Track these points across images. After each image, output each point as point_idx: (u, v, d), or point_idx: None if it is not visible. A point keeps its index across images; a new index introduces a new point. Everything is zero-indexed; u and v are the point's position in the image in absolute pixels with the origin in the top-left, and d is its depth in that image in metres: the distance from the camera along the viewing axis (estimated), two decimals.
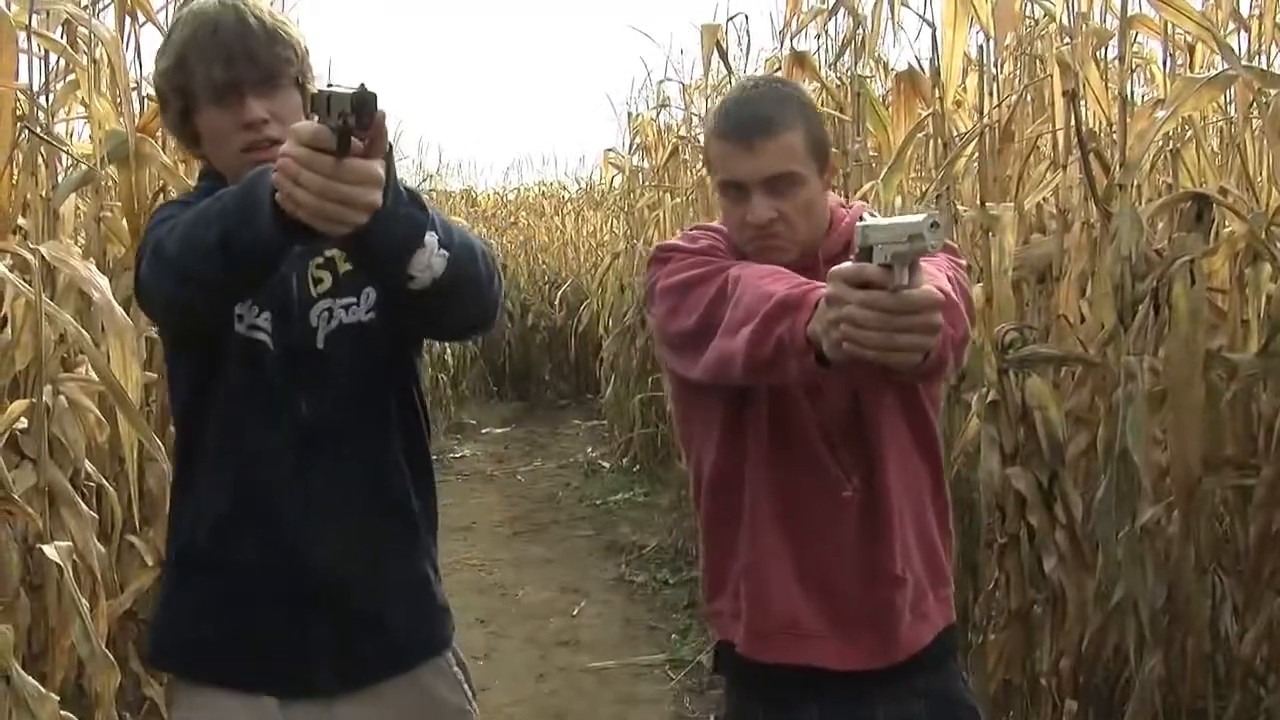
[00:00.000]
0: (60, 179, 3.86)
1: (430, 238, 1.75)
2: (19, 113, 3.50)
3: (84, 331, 3.42)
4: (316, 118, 1.60)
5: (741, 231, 2.15)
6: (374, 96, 1.53)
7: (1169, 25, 3.91)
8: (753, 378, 1.99)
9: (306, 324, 2.02)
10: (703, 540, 2.32)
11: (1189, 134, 4.16)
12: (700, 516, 2.31)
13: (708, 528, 2.29)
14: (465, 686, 2.23)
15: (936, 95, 4.29)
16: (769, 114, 2.11)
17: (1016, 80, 4.68)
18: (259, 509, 2.02)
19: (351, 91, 1.53)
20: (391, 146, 1.67)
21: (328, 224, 1.60)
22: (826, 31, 5.58)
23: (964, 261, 2.19)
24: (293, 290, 2.02)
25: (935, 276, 1.80)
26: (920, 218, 1.61)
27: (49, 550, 3.17)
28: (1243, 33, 4.05)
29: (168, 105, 2.05)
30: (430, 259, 1.75)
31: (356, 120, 1.54)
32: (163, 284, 1.87)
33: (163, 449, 3.65)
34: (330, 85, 1.59)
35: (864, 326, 1.64)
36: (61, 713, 2.94)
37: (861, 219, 1.72)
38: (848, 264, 1.67)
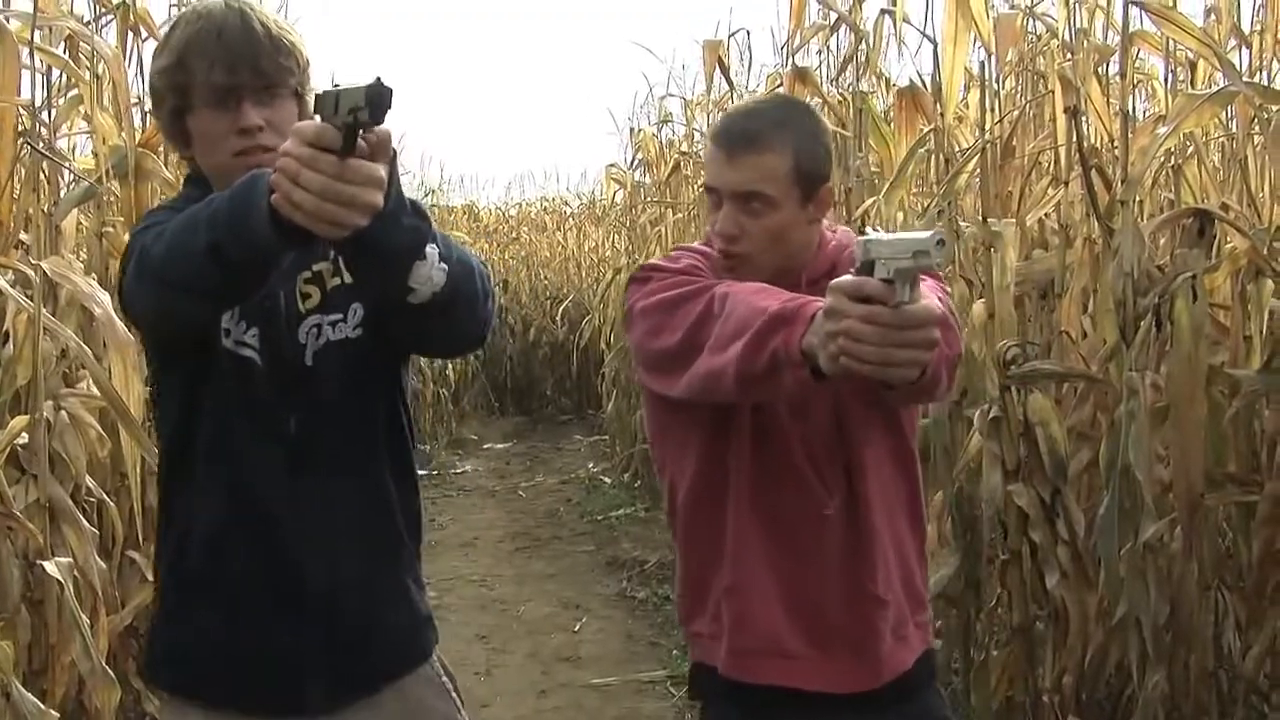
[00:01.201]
0: (62, 194, 3.87)
1: (431, 250, 1.73)
2: (21, 128, 3.50)
3: (85, 347, 3.43)
4: (319, 118, 1.57)
5: (713, 240, 2.16)
6: (389, 90, 1.49)
7: (1170, 41, 3.92)
8: (744, 392, 1.97)
9: (295, 340, 2.00)
10: (680, 560, 2.30)
11: (1191, 150, 4.17)
12: (677, 536, 2.29)
13: (686, 548, 2.27)
14: (453, 694, 2.22)
15: (938, 111, 4.30)
16: (758, 131, 2.10)
17: (1018, 96, 4.69)
18: (250, 525, 2.01)
19: (365, 86, 1.49)
20: (396, 153, 1.64)
21: (326, 226, 1.56)
22: (828, 47, 5.59)
23: (946, 288, 2.18)
24: (280, 306, 2.00)
25: (927, 297, 1.77)
26: (926, 235, 1.60)
27: (49, 566, 3.17)
28: (1244, 49, 4.05)
29: (162, 103, 2.01)
30: (431, 271, 1.74)
31: (370, 114, 1.50)
32: (147, 291, 1.83)
33: (161, 464, 3.65)
34: (337, 85, 1.56)
35: (863, 341, 1.63)
36: None
37: (863, 233, 1.71)
38: (849, 277, 1.66)
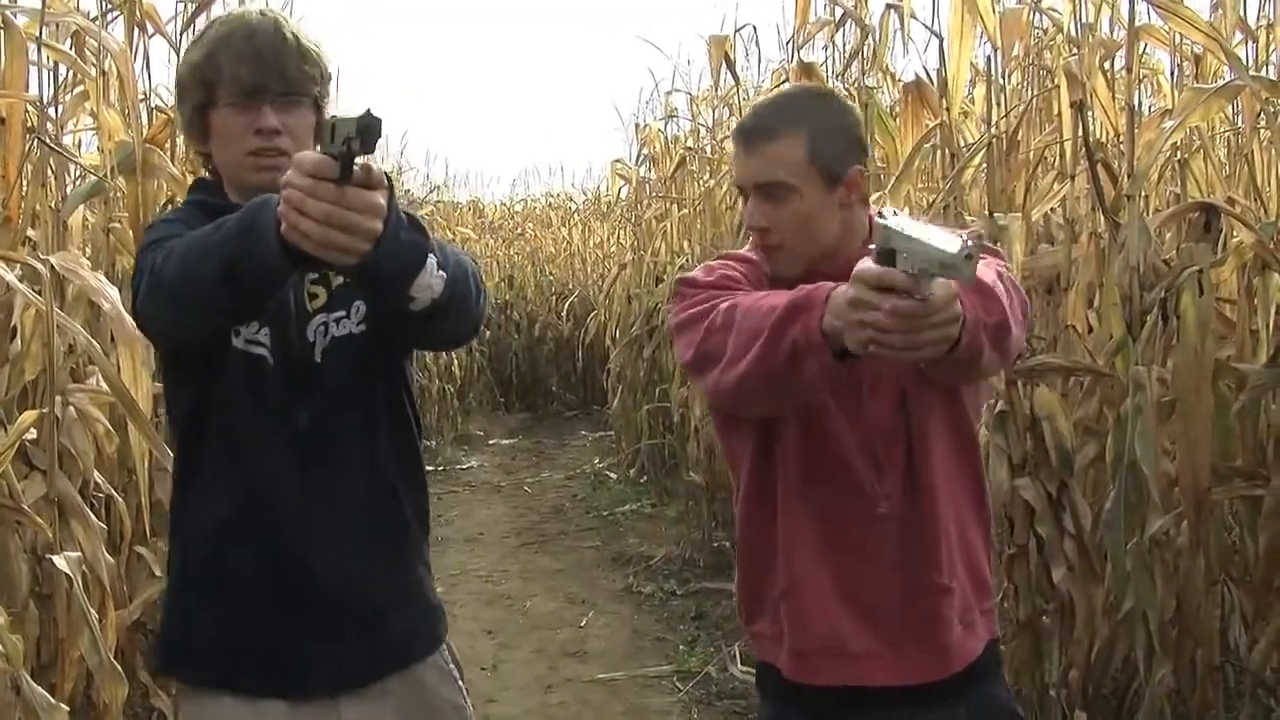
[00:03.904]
0: (69, 190, 3.87)
1: (430, 260, 1.79)
2: (28, 124, 3.51)
3: (94, 342, 3.43)
4: (319, 147, 1.64)
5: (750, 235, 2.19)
6: (379, 121, 1.57)
7: (1177, 36, 3.92)
8: (772, 391, 1.98)
9: (304, 339, 2.06)
10: (738, 561, 2.31)
11: (1197, 144, 4.17)
12: (739, 537, 2.30)
13: (743, 549, 2.28)
14: (460, 683, 2.26)
15: (944, 106, 4.30)
16: (769, 121, 2.14)
17: (1024, 91, 4.68)
18: (261, 516, 2.05)
19: (357, 117, 1.57)
20: (390, 179, 1.71)
21: (333, 253, 1.64)
22: (834, 42, 5.58)
23: (1004, 259, 2.17)
24: (290, 306, 2.05)
25: (982, 272, 1.80)
26: (955, 247, 1.60)
27: (58, 561, 3.18)
28: (1250, 43, 4.05)
29: (186, 96, 2.08)
30: (430, 280, 1.79)
31: (361, 144, 1.58)
32: (162, 312, 1.91)
33: (173, 459, 3.66)
34: (334, 116, 1.63)
35: (892, 332, 1.67)
36: None
37: (881, 215, 1.72)
38: (871, 266, 1.67)
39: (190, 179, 4.10)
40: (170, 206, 4.04)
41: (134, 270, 2.00)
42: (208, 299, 1.79)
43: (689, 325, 2.09)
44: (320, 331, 2.07)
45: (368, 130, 1.57)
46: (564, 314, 14.91)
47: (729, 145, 7.94)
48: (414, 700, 2.16)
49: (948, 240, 1.62)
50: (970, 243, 1.61)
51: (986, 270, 1.89)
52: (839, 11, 5.30)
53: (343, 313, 2.08)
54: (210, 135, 2.07)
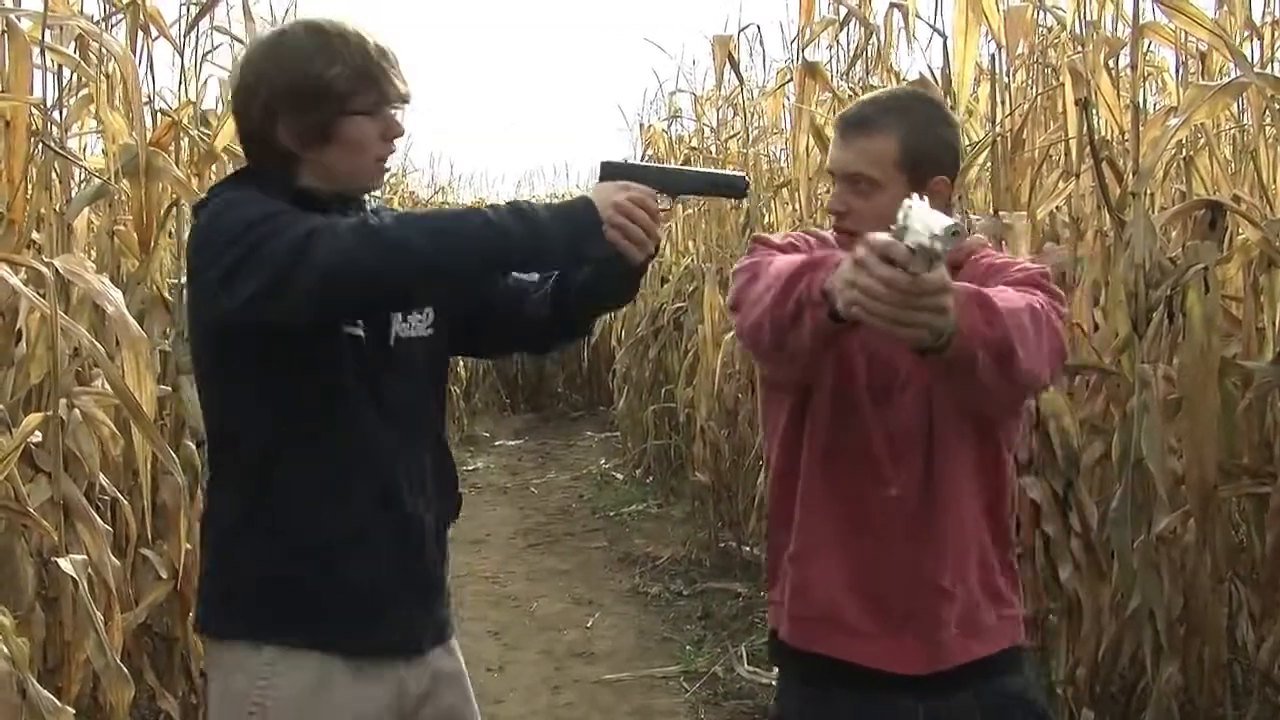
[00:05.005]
0: (74, 193, 3.87)
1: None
2: (33, 127, 3.51)
3: (98, 345, 3.43)
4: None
5: None
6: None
7: (1181, 33, 3.91)
8: (779, 340, 2.06)
9: (384, 321, 2.22)
10: (767, 530, 2.40)
11: (1202, 141, 4.16)
12: (768, 509, 2.39)
13: (770, 518, 2.37)
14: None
15: (949, 104, 4.29)
16: (869, 116, 2.23)
17: (1028, 89, 4.68)
18: (372, 482, 2.17)
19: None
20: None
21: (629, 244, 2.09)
22: (838, 42, 5.59)
23: (1065, 310, 2.20)
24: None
25: (1011, 300, 1.94)
26: (948, 222, 1.67)
27: (64, 563, 3.18)
28: (1255, 40, 4.04)
29: (314, 105, 2.11)
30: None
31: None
32: (393, 269, 2.00)
33: (177, 462, 3.66)
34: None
35: (877, 300, 1.71)
36: None
37: (910, 195, 1.77)
38: (883, 235, 1.72)
39: (195, 181, 4.12)
40: (175, 209, 4.05)
41: (247, 247, 1.99)
42: (473, 268, 2.07)
43: (739, 273, 2.21)
44: (396, 318, 2.24)
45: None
46: None
47: (733, 146, 7.97)
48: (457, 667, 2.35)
49: (945, 221, 1.68)
50: (959, 221, 1.69)
51: (1018, 298, 1.98)
52: (843, 11, 5.30)
53: (419, 317, 2.27)
54: (332, 142, 2.12)
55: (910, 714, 2.20)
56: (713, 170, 2.07)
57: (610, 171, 2.18)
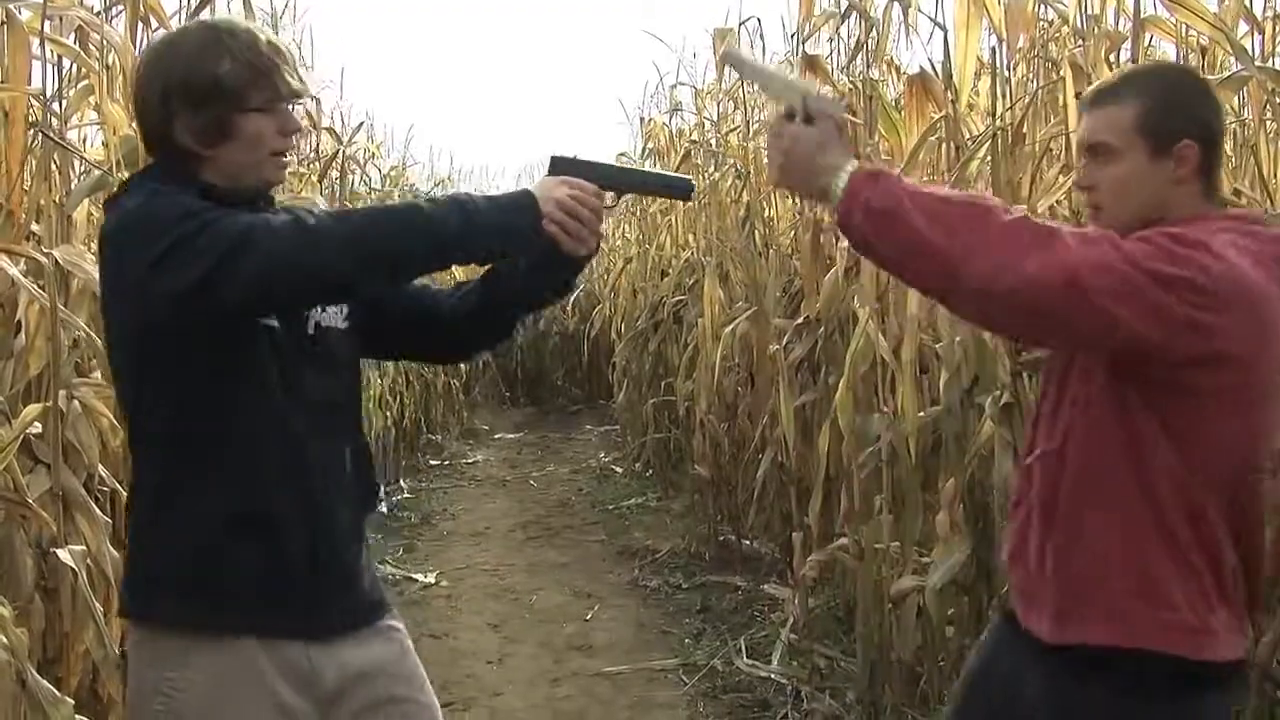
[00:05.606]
0: (73, 184, 3.87)
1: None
2: (32, 118, 3.51)
3: (96, 337, 3.43)
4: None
5: None
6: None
7: (1183, 27, 3.90)
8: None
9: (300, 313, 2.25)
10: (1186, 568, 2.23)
11: None
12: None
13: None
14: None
15: (949, 98, 4.29)
16: (1115, 85, 2.23)
17: (1029, 83, 4.67)
18: (289, 472, 2.18)
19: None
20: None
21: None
22: (839, 35, 5.56)
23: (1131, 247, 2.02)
24: None
25: (956, 195, 2.08)
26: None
27: (63, 554, 3.19)
28: (1257, 34, 4.04)
29: (207, 102, 2.12)
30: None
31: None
32: (331, 260, 2.03)
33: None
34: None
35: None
36: (76, 717, 2.95)
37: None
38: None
39: None
40: None
41: (183, 236, 2.00)
42: (414, 256, 2.09)
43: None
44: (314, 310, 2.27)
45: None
46: (569, 308, 14.91)
47: (733, 139, 7.93)
48: (395, 647, 2.37)
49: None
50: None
51: (986, 199, 2.09)
52: (844, 4, 5.29)
53: (335, 309, 2.31)
54: (230, 138, 2.15)
55: None
56: (662, 171, 2.23)
57: (558, 166, 2.25)
